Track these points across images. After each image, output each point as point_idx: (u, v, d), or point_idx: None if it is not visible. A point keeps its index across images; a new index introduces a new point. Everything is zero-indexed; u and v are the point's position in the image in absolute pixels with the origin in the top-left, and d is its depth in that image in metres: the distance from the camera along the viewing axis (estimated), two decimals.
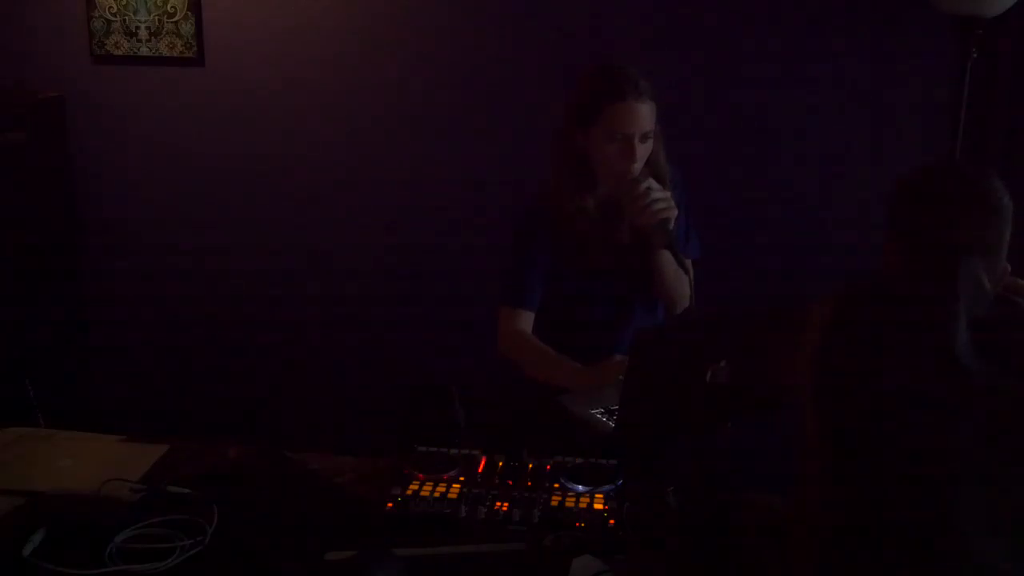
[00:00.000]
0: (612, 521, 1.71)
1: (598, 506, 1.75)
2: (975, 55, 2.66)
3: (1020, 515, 1.36)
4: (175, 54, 3.44)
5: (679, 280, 2.29)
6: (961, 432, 1.37)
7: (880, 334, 1.44)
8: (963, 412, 1.38)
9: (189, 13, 3.39)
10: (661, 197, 2.19)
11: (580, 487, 1.81)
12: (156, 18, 3.41)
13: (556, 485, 1.82)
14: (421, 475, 1.85)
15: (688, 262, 2.40)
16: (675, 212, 2.21)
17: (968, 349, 1.38)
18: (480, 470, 1.88)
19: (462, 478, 1.85)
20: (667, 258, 2.25)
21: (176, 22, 3.41)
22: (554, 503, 1.76)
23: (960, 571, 1.34)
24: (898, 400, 1.40)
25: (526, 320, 2.33)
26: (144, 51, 3.45)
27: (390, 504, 1.76)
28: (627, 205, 2.22)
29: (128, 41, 3.45)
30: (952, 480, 1.36)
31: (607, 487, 1.80)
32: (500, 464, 1.89)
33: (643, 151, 2.21)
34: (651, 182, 2.21)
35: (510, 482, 1.84)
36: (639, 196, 2.18)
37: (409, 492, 1.80)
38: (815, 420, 1.46)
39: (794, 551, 1.48)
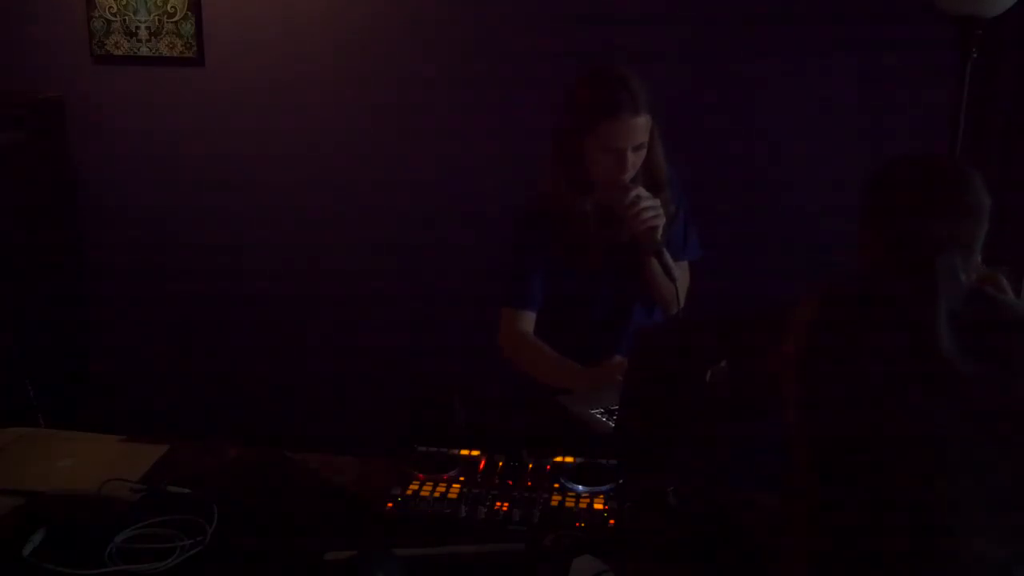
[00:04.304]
0: (612, 521, 1.71)
1: (598, 506, 1.75)
2: (975, 55, 2.65)
3: (1009, 501, 1.36)
4: (175, 54, 3.44)
5: (666, 287, 2.27)
6: (947, 425, 1.37)
7: (863, 332, 1.44)
8: (948, 405, 1.38)
9: (189, 13, 3.39)
10: (650, 205, 2.19)
11: (580, 487, 1.81)
12: (156, 18, 3.41)
13: (556, 485, 1.82)
14: (421, 475, 1.85)
15: (683, 266, 2.39)
16: (663, 220, 2.21)
17: (951, 344, 1.39)
18: (480, 470, 1.88)
19: (462, 478, 1.85)
20: (654, 265, 2.25)
21: (176, 22, 3.41)
22: (554, 503, 1.76)
23: (954, 562, 1.34)
24: (884, 398, 1.40)
25: (528, 321, 2.33)
26: (144, 51, 3.45)
27: (390, 504, 1.76)
28: (617, 212, 2.23)
29: (128, 41, 3.45)
30: (940, 472, 1.36)
31: (607, 487, 1.80)
32: (500, 464, 1.89)
33: (636, 160, 2.20)
34: (640, 190, 2.20)
35: (510, 482, 1.83)
36: (627, 205, 2.18)
37: (409, 492, 1.80)
38: (801, 420, 1.46)
39: (789, 551, 1.48)
